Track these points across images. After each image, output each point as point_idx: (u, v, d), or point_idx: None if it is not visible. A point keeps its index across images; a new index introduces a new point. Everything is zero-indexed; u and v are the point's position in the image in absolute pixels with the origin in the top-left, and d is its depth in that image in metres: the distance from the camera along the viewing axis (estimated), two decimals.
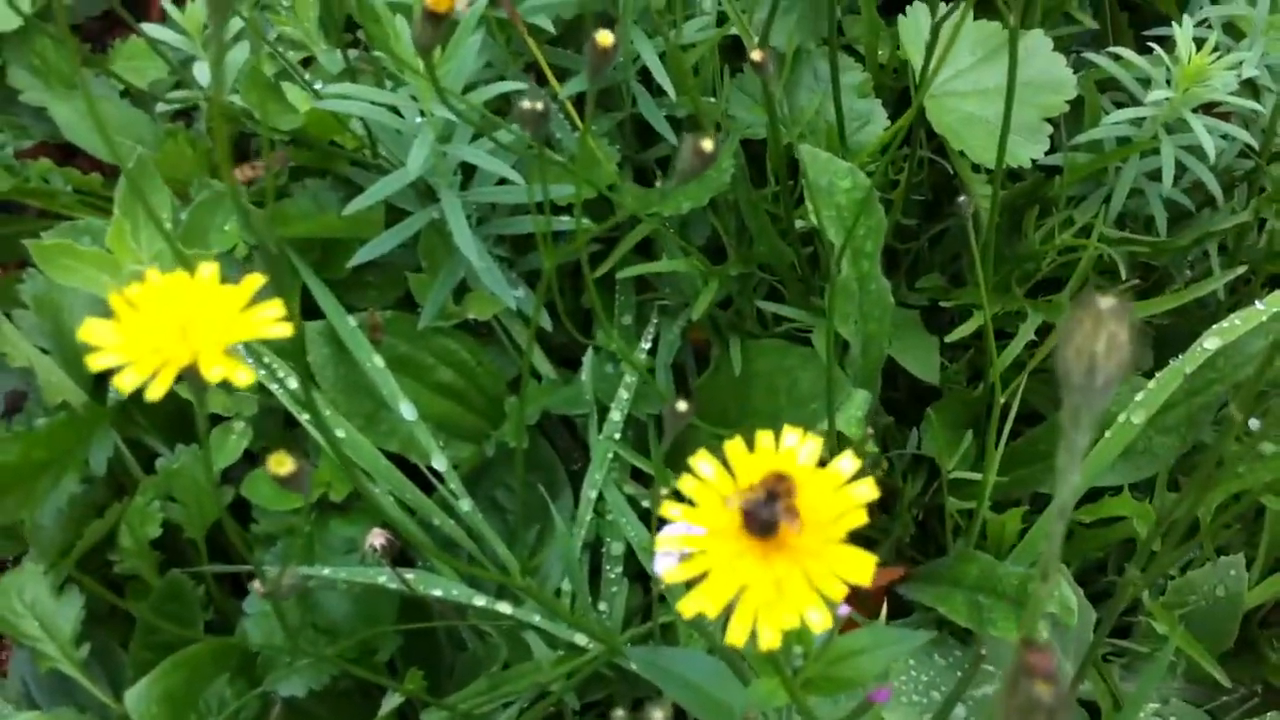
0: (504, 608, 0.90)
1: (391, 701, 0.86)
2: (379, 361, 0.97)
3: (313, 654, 0.85)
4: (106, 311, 1.07)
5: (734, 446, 0.45)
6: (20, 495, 0.99)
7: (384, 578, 0.89)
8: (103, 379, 1.06)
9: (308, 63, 1.14)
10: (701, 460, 0.45)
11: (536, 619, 0.90)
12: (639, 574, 0.98)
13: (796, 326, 1.02)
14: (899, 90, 1.11)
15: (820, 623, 0.41)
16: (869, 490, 0.43)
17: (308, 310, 0.99)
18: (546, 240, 0.68)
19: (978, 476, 0.89)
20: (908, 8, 0.94)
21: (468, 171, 0.99)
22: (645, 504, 0.98)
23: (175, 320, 0.46)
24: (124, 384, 0.45)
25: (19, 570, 1.00)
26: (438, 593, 0.89)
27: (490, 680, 0.86)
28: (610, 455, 0.96)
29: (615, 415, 0.97)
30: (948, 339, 0.96)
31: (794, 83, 1.03)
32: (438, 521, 0.96)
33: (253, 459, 1.03)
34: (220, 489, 1.00)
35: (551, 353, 1.06)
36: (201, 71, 1.09)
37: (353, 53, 1.06)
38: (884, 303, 0.93)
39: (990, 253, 0.88)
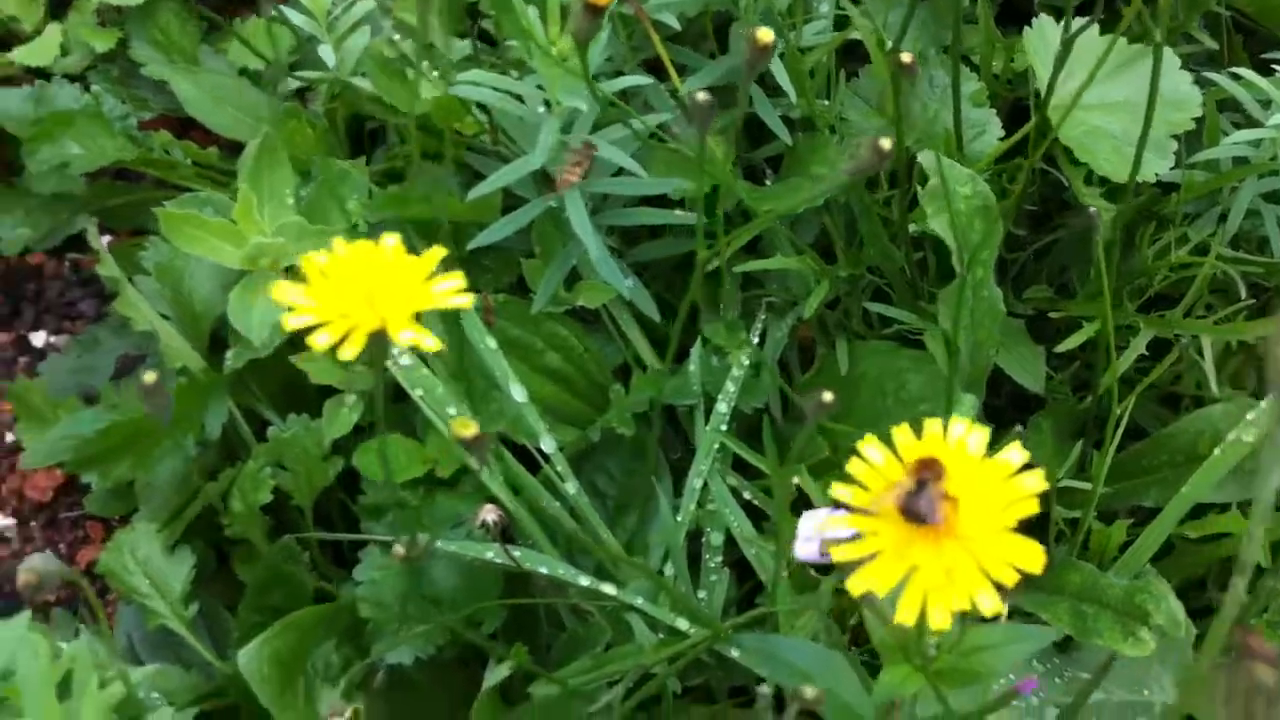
0: (608, 589, 0.91)
1: (498, 674, 0.88)
2: (492, 343, 0.99)
3: (428, 620, 0.87)
4: (226, 280, 1.10)
5: (901, 432, 0.46)
6: (138, 455, 1.02)
7: (492, 552, 0.91)
8: (218, 347, 1.09)
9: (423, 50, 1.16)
10: (869, 445, 0.46)
11: (639, 601, 0.91)
12: (735, 564, 0.99)
13: (902, 330, 1.03)
14: (1011, 101, 1.12)
15: (991, 607, 0.42)
16: (1037, 481, 0.44)
17: None
18: (699, 233, 0.69)
19: (1084, 485, 0.90)
20: (1033, 20, 0.95)
21: None
22: (746, 495, 0.99)
23: (363, 287, 0.48)
24: (319, 343, 0.47)
25: (131, 528, 1.03)
26: (544, 570, 0.90)
27: (595, 659, 0.88)
28: (716, 446, 0.97)
29: (722, 407, 0.98)
30: (1058, 348, 0.96)
31: (910, 89, 1.04)
32: (543, 502, 0.98)
33: (360, 431, 1.05)
34: (330, 459, 1.03)
35: (657, 344, 1.08)
36: (325, 53, 1.12)
37: (467, 41, 1.09)
38: (995, 310, 0.94)
39: (1114, 266, 0.89)
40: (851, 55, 1.12)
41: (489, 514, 0.87)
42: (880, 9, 1.03)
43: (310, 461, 1.02)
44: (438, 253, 0.50)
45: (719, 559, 0.97)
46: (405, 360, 0.99)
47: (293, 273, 1.02)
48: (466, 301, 0.49)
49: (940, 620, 0.43)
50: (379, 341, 0.48)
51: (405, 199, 1.03)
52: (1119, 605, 0.85)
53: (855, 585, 0.44)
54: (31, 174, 1.10)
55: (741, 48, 1.05)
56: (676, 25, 0.99)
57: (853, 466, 0.46)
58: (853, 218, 1.04)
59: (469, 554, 0.90)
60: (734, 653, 0.91)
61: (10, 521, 1.17)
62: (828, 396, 0.59)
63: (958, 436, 0.46)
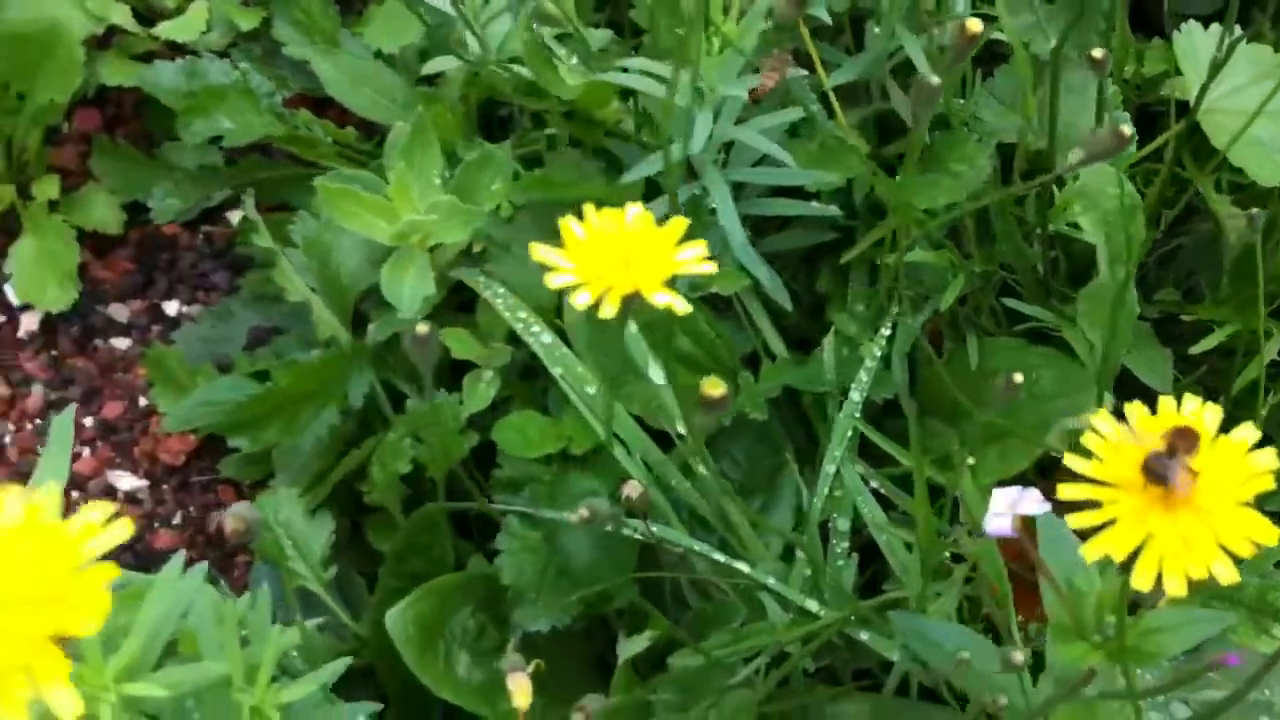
0: (742, 566, 0.94)
1: (635, 645, 0.91)
2: (633, 326, 1.02)
3: (564, 591, 0.90)
4: (372, 255, 1.13)
5: (1135, 408, 0.48)
6: (284, 421, 1.05)
7: (633, 527, 0.93)
8: (361, 322, 1.12)
9: (560, 39, 1.19)
10: (1101, 419, 0.49)
11: (771, 581, 0.94)
12: (860, 549, 1.02)
13: (1030, 327, 1.05)
14: (1138, 105, 1.14)
15: (1228, 576, 0.44)
16: (1272, 458, 0.46)
17: None
18: (903, 213, 0.71)
19: None
20: (1183, 25, 0.97)
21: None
22: (873, 484, 1.01)
23: (618, 253, 0.51)
24: (579, 302, 0.49)
25: (273, 491, 1.06)
26: (682, 545, 0.93)
27: (733, 634, 0.90)
28: (849, 434, 0.99)
29: (855, 396, 1.01)
30: (1193, 350, 0.98)
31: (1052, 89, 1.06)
32: (674, 482, 1.00)
33: (494, 408, 1.08)
34: (465, 433, 1.06)
35: (785, 333, 1.10)
36: (470, 39, 1.15)
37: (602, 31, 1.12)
38: (1131, 312, 0.96)
39: (1249, 271, 0.91)
40: (982, 57, 1.14)
41: (632, 489, 0.90)
42: (1021, 9, 1.05)
43: (446, 434, 1.05)
44: (681, 223, 0.53)
45: (845, 544, 1.00)
46: (545, 339, 1.02)
47: (439, 250, 1.06)
48: (711, 268, 0.51)
49: (1176, 587, 0.45)
50: (635, 304, 0.50)
51: (550, 181, 1.05)
52: (1252, 603, 0.87)
53: (1091, 550, 0.46)
54: (184, 145, 1.14)
55: (878, 45, 1.08)
56: (828, 19, 1.01)
57: (1087, 439, 0.48)
58: (985, 213, 1.06)
59: (613, 527, 0.93)
60: (863, 635, 0.93)
61: (143, 483, 1.21)
62: (1018, 377, 0.61)
63: (1191, 413, 0.48)
